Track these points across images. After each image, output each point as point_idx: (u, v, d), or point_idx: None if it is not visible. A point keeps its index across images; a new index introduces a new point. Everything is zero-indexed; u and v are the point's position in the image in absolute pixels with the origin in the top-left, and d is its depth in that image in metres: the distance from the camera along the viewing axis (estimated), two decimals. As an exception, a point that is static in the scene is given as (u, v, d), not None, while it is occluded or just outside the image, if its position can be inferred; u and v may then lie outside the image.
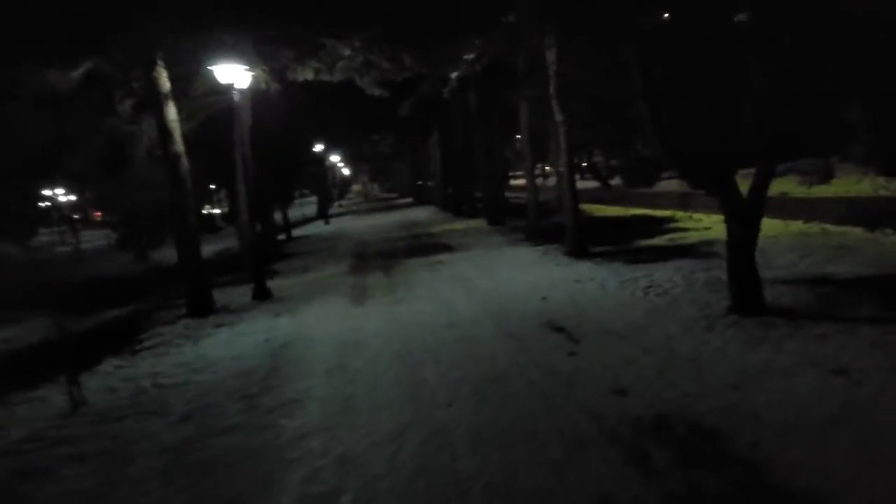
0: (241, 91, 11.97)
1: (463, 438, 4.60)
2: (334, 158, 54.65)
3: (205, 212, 35.19)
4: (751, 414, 4.39)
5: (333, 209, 55.68)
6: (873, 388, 4.54)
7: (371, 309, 10.05)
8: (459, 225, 24.33)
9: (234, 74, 11.37)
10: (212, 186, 33.71)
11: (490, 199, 22.47)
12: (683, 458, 3.94)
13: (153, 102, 11.16)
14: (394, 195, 74.52)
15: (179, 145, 11.47)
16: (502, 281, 11.15)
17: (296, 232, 32.38)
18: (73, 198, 35.52)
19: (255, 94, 15.91)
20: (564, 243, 13.44)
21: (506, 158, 27.16)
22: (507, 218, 22.28)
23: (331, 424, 5.23)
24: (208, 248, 27.69)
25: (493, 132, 21.45)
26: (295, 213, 39.47)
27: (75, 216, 39.79)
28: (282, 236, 29.35)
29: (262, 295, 12.32)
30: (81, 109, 11.47)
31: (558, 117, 12.74)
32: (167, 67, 11.55)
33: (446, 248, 17.36)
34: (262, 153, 20.40)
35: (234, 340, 9.02)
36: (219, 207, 46.61)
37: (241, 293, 13.24)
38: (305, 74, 14.09)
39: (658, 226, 17.15)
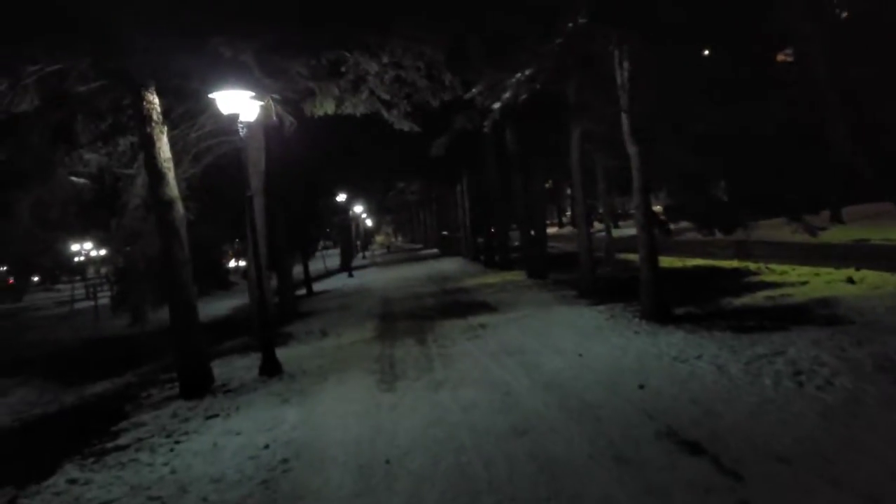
0: (249, 125, 9.96)
1: None
2: (358, 209, 53.10)
3: (232, 264, 33.30)
4: None
5: (357, 261, 53.81)
6: None
7: (404, 396, 7.68)
8: (494, 278, 22.00)
9: (238, 103, 9.38)
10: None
11: (530, 248, 20.16)
12: None
13: (141, 136, 9.17)
14: (418, 246, 72.55)
15: (173, 189, 9.42)
16: (570, 355, 8.75)
17: (317, 286, 30.28)
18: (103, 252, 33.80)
19: (268, 132, 14.01)
20: (640, 302, 11.02)
21: (546, 202, 24.96)
22: (549, 270, 19.95)
23: None
24: (219, 306, 25.69)
25: (533, 173, 19.30)
26: (317, 265, 37.56)
27: (103, 270, 37.91)
28: (302, 291, 27.28)
29: (271, 369, 10.03)
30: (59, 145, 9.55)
31: (631, 148, 10.53)
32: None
33: (486, 306, 15.01)
34: (279, 199, 18.50)
35: (224, 444, 6.69)
36: (244, 259, 44.84)
37: (248, 365, 11.00)
38: (325, 107, 12.09)
39: (736, 280, 14.71)
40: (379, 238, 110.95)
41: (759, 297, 11.68)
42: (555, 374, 7.79)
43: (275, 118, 11.78)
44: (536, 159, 19.50)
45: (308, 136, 17.95)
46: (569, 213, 64.83)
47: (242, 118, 9.75)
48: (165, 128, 9.29)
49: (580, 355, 8.70)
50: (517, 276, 21.76)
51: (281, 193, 18.41)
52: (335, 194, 30.91)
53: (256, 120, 12.74)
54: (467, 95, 12.15)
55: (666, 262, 23.00)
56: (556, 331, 10.72)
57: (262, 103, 10.16)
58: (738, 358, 7.31)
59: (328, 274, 36.83)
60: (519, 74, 10.85)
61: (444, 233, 50.19)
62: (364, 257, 58.31)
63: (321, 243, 56.70)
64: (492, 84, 11.67)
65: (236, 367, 11.04)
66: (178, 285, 9.48)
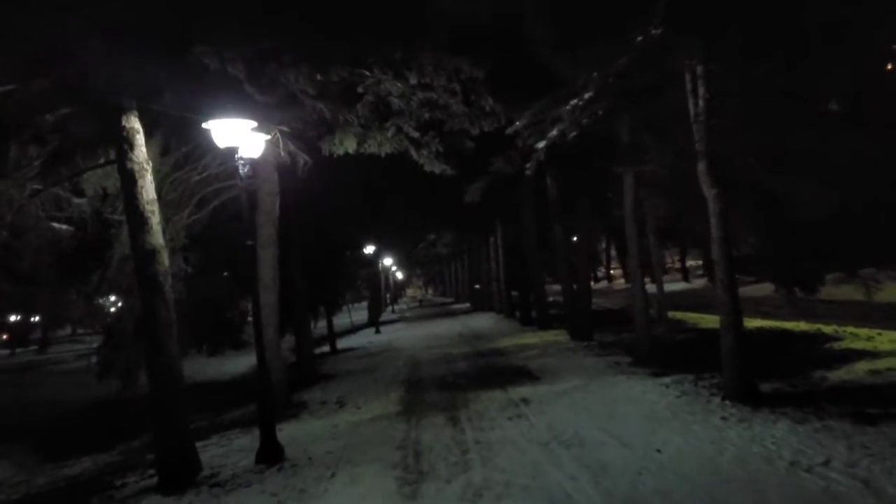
0: (255, 163, 8.45)
1: None
2: (387, 261, 51.73)
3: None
4: None
5: (386, 314, 52.09)
6: None
7: (432, 510, 5.80)
8: (532, 338, 20.03)
9: (236, 135, 7.89)
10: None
11: (572, 305, 18.23)
12: None
13: (121, 172, 7.70)
14: (449, 300, 70.71)
15: (156, 236, 7.89)
16: (644, 449, 6.80)
17: (342, 342, 28.58)
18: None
19: (284, 176, 12.59)
20: (721, 377, 9.01)
21: (592, 255, 23.14)
22: (594, 330, 17.96)
23: None
24: (231, 367, 23.86)
25: (576, 222, 17.53)
26: (343, 320, 35.93)
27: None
28: (325, 348, 25.59)
29: (270, 455, 8.21)
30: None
31: (709, 192, 8.74)
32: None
33: (526, 374, 13.08)
34: (297, 250, 17.02)
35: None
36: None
37: (246, 446, 9.23)
38: (346, 144, 10.63)
39: (815, 346, 12.66)
40: (409, 291, 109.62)
41: (860, 371, 9.61)
42: (631, 483, 5.85)
43: (284, 155, 10.31)
44: (580, 208, 17.75)
45: (331, 181, 16.60)
46: (603, 266, 62.64)
47: (244, 153, 8.27)
48: (150, 165, 7.82)
49: (658, 451, 6.74)
50: (558, 336, 19.77)
51: (300, 243, 16.94)
52: (362, 246, 29.48)
53: (266, 159, 11.37)
54: (510, 130, 10.54)
55: (713, 321, 20.87)
56: (618, 411, 8.76)
57: (267, 137, 8.66)
58: (886, 466, 5.31)
59: (354, 329, 35.11)
60: (574, 102, 9.19)
61: (477, 286, 48.37)
62: (393, 311, 56.63)
63: (347, 296, 55.40)
64: (539, 117, 10.06)
65: (233, 449, 9.27)
66: (159, 350, 7.82)
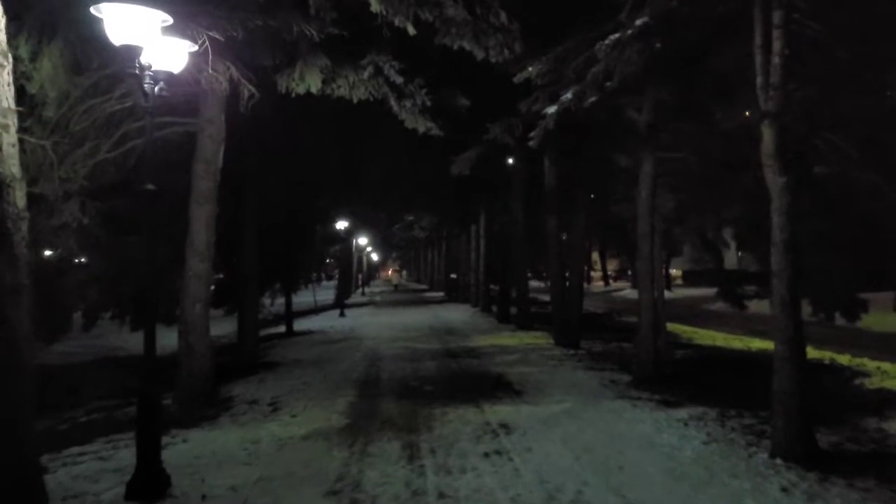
0: (160, 76, 6.02)
1: None
2: (362, 240, 49.26)
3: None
4: None
5: (355, 296, 49.67)
6: None
7: None
8: (511, 339, 17.86)
9: (142, 31, 5.49)
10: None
11: (561, 306, 16.04)
12: None
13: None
14: (423, 287, 68.46)
15: (8, 162, 5.44)
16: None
17: (302, 323, 26.19)
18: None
19: (240, 121, 10.19)
20: (771, 425, 6.75)
21: (585, 249, 21.12)
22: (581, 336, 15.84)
23: None
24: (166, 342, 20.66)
25: (575, 214, 15.33)
26: (306, 298, 33.35)
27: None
28: (281, 328, 23.19)
29: (147, 490, 5.79)
30: None
31: (777, 180, 6.53)
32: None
33: (505, 386, 10.89)
34: (252, 213, 14.58)
35: None
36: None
37: (128, 463, 6.79)
38: (308, 80, 8.25)
39: (841, 381, 10.81)
40: (387, 275, 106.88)
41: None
42: None
43: (224, 84, 7.87)
44: (577, 199, 15.57)
45: (300, 140, 14.20)
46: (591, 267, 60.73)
47: (157, 62, 5.88)
48: (8, 60, 5.38)
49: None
50: (540, 339, 17.63)
51: (257, 208, 14.50)
52: (334, 220, 27.04)
53: (211, 92, 8.96)
54: (520, 76, 8.24)
55: (706, 336, 18.97)
56: (630, 458, 6.57)
57: (192, 47, 6.24)
58: None
59: (318, 310, 32.66)
60: (618, 35, 6.88)
61: (453, 276, 46.19)
62: (363, 294, 54.21)
63: (320, 274, 52.74)
64: (561, 64, 7.77)
65: (110, 466, 6.84)
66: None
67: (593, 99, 8.80)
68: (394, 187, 22.61)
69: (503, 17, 6.80)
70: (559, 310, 16.07)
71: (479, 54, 7.24)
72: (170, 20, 5.66)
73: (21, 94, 7.46)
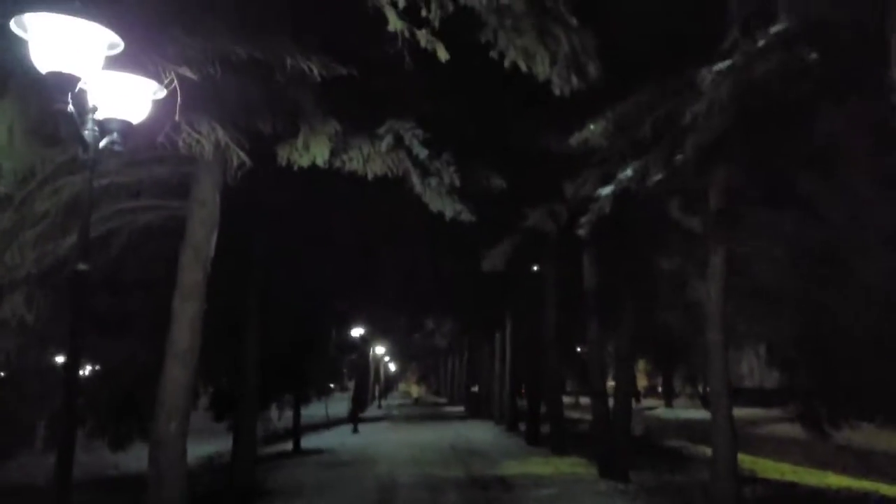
0: (112, 126, 4.55)
1: None
2: (379, 350, 47.19)
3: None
4: None
5: (371, 410, 46.89)
6: None
7: None
8: (545, 466, 15.46)
9: (74, 53, 4.06)
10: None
11: (606, 428, 13.78)
12: None
13: None
14: (443, 400, 65.15)
15: None
16: None
17: (311, 440, 23.84)
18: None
19: (245, 210, 8.78)
20: None
21: (634, 360, 19.10)
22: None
23: None
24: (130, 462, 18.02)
25: (619, 317, 13.44)
26: (317, 411, 30.87)
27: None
28: (287, 445, 20.91)
29: None
30: None
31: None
32: None
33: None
34: (255, 316, 12.93)
35: None
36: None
37: None
38: (314, 151, 6.82)
39: None
40: (402, 386, 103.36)
41: None
42: None
43: (208, 148, 6.41)
44: (622, 301, 13.74)
45: (305, 223, 12.79)
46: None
47: (97, 103, 4.45)
48: None
49: None
50: (579, 466, 15.24)
51: (261, 310, 12.88)
52: (349, 326, 25.28)
53: (207, 169, 7.60)
54: (578, 138, 6.73)
55: (769, 468, 16.36)
56: None
57: (155, 89, 4.79)
58: None
59: (329, 424, 30.18)
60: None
61: (474, 389, 43.48)
62: (380, 406, 51.39)
63: (334, 385, 50.27)
64: (623, 122, 6.26)
65: None
66: None
67: (659, 177, 7.22)
68: (413, 286, 20.95)
69: (574, 21, 5.29)
70: (603, 433, 13.81)
71: (542, 72, 5.60)
72: (120, 44, 4.24)
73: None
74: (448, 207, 7.87)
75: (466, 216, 7.93)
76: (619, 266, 13.82)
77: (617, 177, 7.42)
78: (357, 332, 26.64)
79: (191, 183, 8.39)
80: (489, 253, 11.56)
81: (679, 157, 6.98)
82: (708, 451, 19.39)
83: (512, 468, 15.26)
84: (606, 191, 7.47)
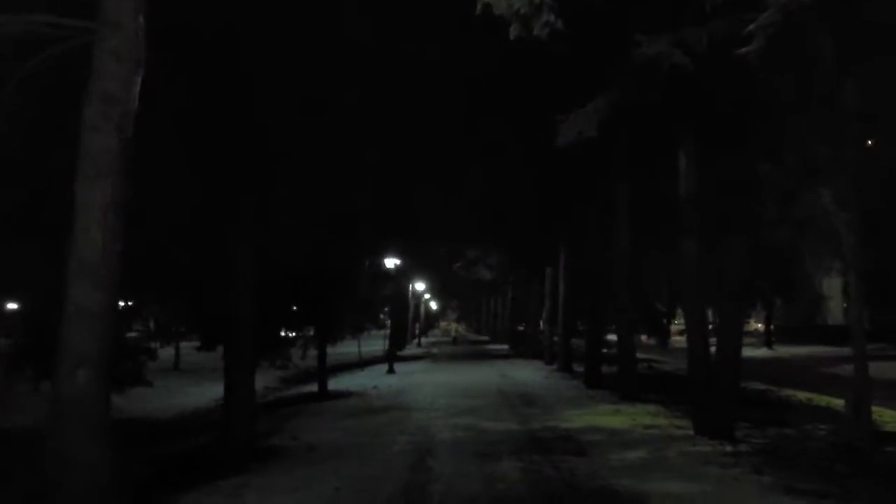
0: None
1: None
2: (419, 286, 44.59)
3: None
4: None
5: (410, 347, 44.74)
6: None
7: None
8: (616, 416, 12.49)
9: None
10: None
11: (707, 373, 10.58)
12: None
13: None
14: (484, 338, 62.91)
15: None
16: None
17: (340, 381, 21.48)
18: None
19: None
20: None
21: (747, 290, 15.76)
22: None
23: None
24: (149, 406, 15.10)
25: (728, 234, 10.09)
26: (349, 348, 28.39)
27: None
28: (313, 386, 18.44)
29: None
30: None
31: None
32: None
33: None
34: (250, 226, 10.00)
35: None
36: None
37: None
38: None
39: None
40: (443, 324, 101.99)
41: None
42: None
43: None
44: (733, 213, 10.35)
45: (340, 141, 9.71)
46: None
47: None
48: None
49: None
50: (660, 417, 12.30)
51: (246, 203, 9.91)
52: (382, 255, 22.39)
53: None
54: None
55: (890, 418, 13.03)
56: None
57: None
58: None
59: (363, 364, 27.75)
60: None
61: (521, 327, 40.75)
62: (419, 345, 49.25)
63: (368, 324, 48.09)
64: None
65: None
66: None
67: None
68: (457, 204, 17.82)
69: None
70: (701, 380, 10.63)
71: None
72: None
73: None
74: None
75: (559, 26, 4.62)
76: (726, 172, 10.44)
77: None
78: (391, 262, 23.75)
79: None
80: (570, 117, 7.85)
81: None
82: (801, 395, 16.21)
83: (577, 419, 12.34)
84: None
